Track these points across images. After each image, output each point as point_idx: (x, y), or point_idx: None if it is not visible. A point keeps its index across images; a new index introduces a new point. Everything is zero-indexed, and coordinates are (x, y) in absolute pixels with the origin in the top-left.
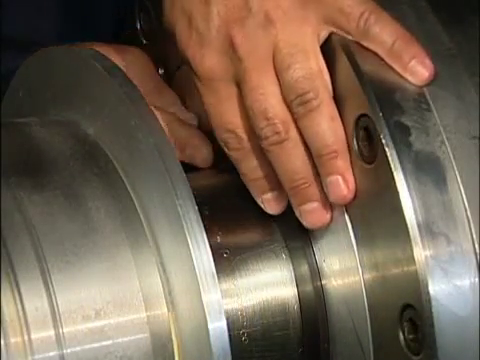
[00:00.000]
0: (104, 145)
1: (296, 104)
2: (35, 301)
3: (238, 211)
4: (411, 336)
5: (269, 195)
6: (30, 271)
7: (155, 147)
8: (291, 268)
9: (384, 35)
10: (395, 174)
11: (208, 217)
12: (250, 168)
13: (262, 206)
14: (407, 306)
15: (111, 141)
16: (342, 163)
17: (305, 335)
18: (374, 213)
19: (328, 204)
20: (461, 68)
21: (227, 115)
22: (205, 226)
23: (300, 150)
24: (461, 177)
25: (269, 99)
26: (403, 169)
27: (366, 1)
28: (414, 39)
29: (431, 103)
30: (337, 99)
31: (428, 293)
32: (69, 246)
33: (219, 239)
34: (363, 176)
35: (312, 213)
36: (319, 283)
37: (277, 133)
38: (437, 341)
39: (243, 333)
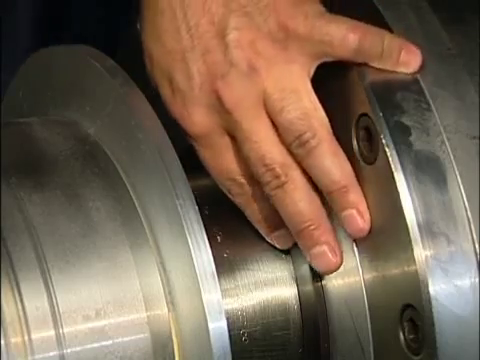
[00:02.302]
0: (104, 145)
1: (295, 146)
2: (35, 301)
3: (238, 211)
4: (411, 336)
5: (277, 233)
6: (30, 271)
7: (155, 147)
8: (291, 268)
9: (373, 48)
10: (395, 174)
11: (208, 217)
12: (255, 210)
13: (273, 243)
14: (407, 306)
15: (111, 141)
16: (354, 196)
17: (305, 335)
18: (374, 213)
19: (338, 246)
20: (461, 68)
21: (225, 165)
22: (205, 226)
23: (303, 191)
24: (461, 177)
25: (264, 145)
26: (403, 169)
27: (344, 21)
28: (394, 35)
29: (431, 103)
30: (337, 98)
31: (428, 293)
32: (69, 246)
33: (219, 239)
34: (363, 176)
35: (322, 257)
36: (319, 283)
37: (277, 177)
38: (437, 341)
39: (243, 333)
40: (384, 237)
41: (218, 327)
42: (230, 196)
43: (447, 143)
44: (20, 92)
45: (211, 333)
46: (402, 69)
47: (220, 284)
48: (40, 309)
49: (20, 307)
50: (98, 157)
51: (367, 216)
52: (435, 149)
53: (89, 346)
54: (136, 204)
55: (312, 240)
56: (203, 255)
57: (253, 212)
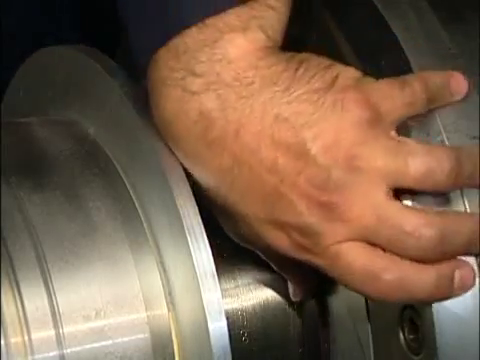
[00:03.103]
0: (104, 145)
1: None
2: (35, 301)
3: None
4: (411, 336)
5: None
6: (30, 271)
7: (155, 147)
8: None
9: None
10: None
11: (208, 217)
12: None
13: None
14: (407, 306)
15: (111, 141)
16: None
17: (305, 335)
18: None
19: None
20: (461, 68)
21: (374, 263)
22: (205, 226)
23: (458, 220)
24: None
25: (398, 221)
26: None
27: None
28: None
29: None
30: None
31: None
32: (69, 246)
33: (219, 239)
34: None
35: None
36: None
37: (430, 238)
38: (437, 341)
39: (243, 333)
40: None
41: (218, 327)
42: (382, 296)
43: (447, 143)
44: (20, 92)
45: (211, 333)
46: (456, 98)
47: (220, 284)
48: (40, 309)
49: (20, 307)
50: (98, 157)
51: None
52: None
53: (89, 346)
54: (136, 204)
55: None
56: (203, 255)
57: (417, 282)
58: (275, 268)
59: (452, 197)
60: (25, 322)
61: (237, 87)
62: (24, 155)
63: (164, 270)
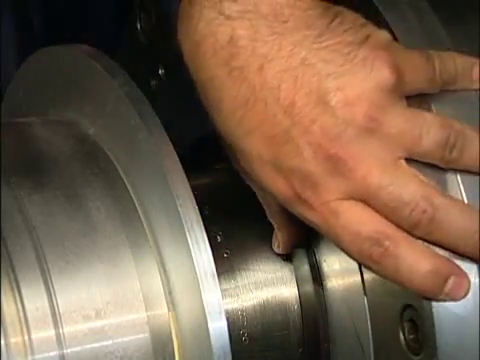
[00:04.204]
0: (104, 145)
1: (447, 155)
2: (35, 301)
3: (238, 211)
4: (411, 336)
5: (453, 278)
6: (30, 271)
7: (155, 147)
8: (291, 268)
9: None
10: None
11: (208, 217)
12: (415, 261)
13: (446, 297)
14: (407, 306)
15: (111, 141)
16: None
17: (305, 335)
18: None
19: None
20: None
21: (362, 228)
22: (205, 226)
23: (457, 208)
24: (461, 177)
25: (398, 186)
26: None
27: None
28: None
29: (432, 103)
30: None
31: None
32: (69, 246)
33: (219, 239)
34: None
35: None
36: (319, 283)
37: (424, 211)
38: (437, 341)
39: (243, 333)
40: None
41: (218, 327)
42: (371, 264)
43: None
44: (20, 92)
45: (211, 333)
46: (475, 86)
47: (220, 284)
48: (40, 309)
49: (20, 307)
50: (98, 157)
51: None
52: None
53: (89, 346)
54: (136, 204)
55: None
56: (203, 255)
57: (410, 265)
58: (267, 214)
59: (449, 182)
60: (25, 322)
61: (271, 21)
62: (24, 155)
63: (164, 270)
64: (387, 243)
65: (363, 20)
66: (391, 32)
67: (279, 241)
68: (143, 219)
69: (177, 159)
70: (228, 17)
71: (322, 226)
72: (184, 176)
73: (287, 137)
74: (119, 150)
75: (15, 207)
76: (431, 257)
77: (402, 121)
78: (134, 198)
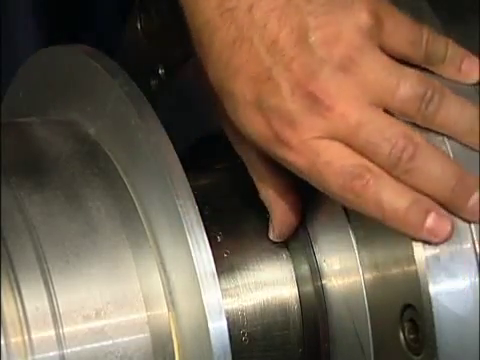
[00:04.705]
0: (104, 145)
1: (423, 108)
2: (35, 301)
3: (238, 211)
4: (412, 336)
5: (433, 216)
6: (30, 271)
7: (155, 147)
8: (291, 268)
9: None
10: None
11: (208, 217)
12: (393, 196)
13: (427, 238)
14: (407, 306)
15: (111, 141)
16: None
17: (305, 335)
18: None
19: None
20: None
21: (342, 164)
22: (205, 226)
23: (437, 153)
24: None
25: (379, 124)
26: None
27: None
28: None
29: None
30: None
31: (428, 293)
32: (69, 246)
33: (219, 239)
34: None
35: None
36: (319, 283)
37: (405, 149)
38: (437, 341)
39: (243, 333)
40: (384, 237)
41: (218, 327)
42: (353, 197)
43: (447, 142)
44: (20, 92)
45: (211, 333)
46: (461, 79)
47: (220, 284)
48: (40, 309)
49: (20, 307)
50: (98, 157)
51: None
52: None
53: (89, 346)
54: (136, 204)
55: (469, 191)
56: (203, 255)
57: (391, 198)
58: (248, 169)
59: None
60: (25, 322)
61: None
62: (24, 155)
63: (164, 270)
64: (368, 176)
65: None
66: None
67: (273, 221)
68: (143, 219)
69: (177, 159)
70: None
71: (303, 166)
72: (184, 176)
73: (269, 75)
74: (119, 150)
75: (15, 207)
76: (412, 191)
77: (379, 67)
78: (134, 198)
